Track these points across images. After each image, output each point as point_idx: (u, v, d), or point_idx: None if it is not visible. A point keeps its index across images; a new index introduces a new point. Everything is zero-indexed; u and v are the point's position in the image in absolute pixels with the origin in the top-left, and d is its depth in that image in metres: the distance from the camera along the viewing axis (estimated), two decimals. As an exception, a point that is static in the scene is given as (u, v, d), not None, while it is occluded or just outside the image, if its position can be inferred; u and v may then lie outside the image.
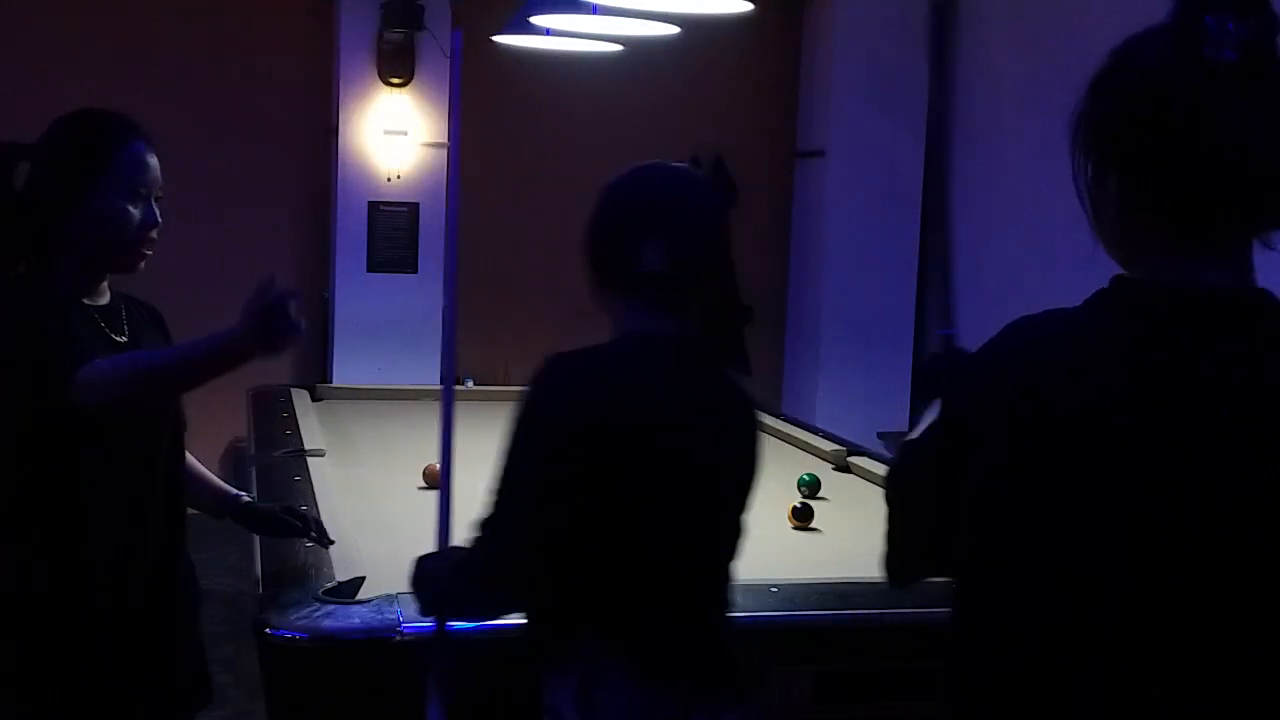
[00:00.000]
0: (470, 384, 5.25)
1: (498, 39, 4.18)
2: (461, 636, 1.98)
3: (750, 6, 3.41)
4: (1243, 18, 1.24)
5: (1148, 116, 1.28)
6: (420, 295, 6.16)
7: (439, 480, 2.04)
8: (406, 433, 4.01)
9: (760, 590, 2.43)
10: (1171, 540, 1.29)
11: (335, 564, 2.42)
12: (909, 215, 6.32)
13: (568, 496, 1.74)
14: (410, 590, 1.91)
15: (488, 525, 1.78)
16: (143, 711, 2.13)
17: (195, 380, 1.93)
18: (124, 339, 2.11)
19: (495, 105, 6.44)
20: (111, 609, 2.06)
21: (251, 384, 4.58)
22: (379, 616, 2.17)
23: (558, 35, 3.99)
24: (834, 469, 3.76)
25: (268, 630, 2.14)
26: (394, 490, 3.30)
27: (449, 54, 2.08)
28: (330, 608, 2.20)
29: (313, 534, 2.42)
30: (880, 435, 4.64)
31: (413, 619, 2.09)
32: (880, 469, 3.52)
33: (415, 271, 6.18)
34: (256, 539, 2.56)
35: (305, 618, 2.16)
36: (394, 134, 6.15)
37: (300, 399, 4.41)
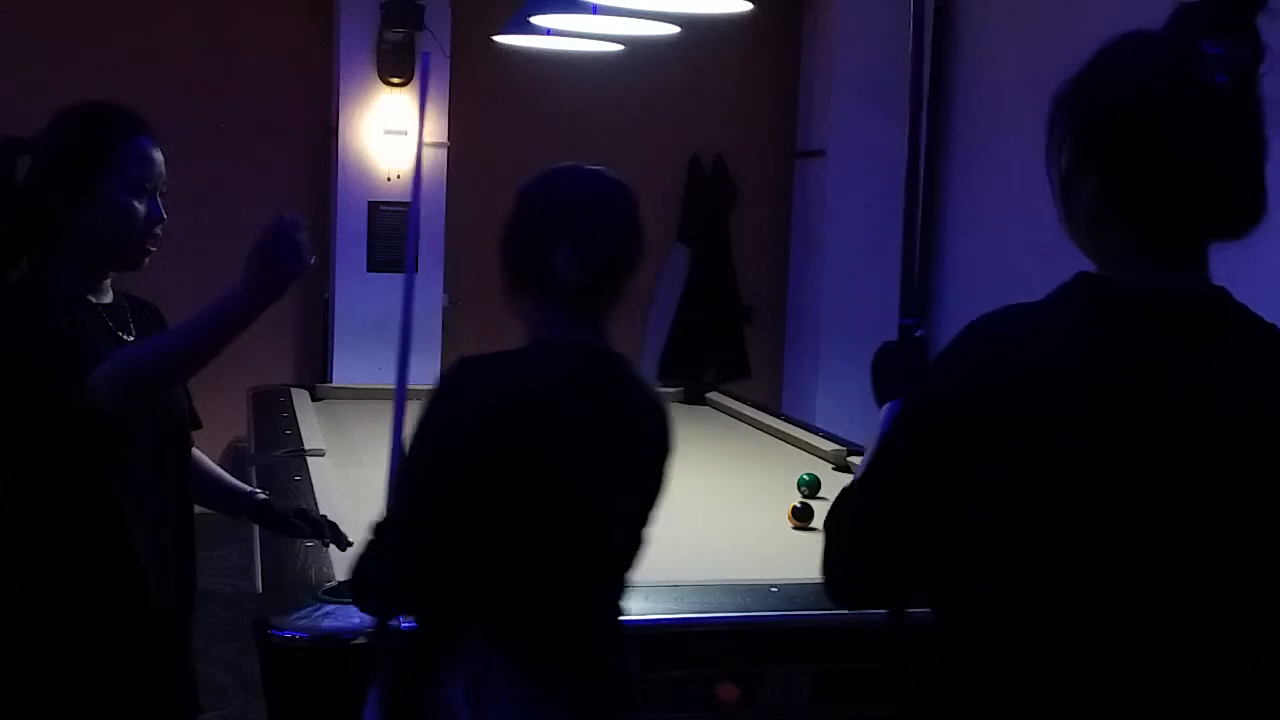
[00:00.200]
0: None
1: (498, 39, 4.18)
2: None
3: (750, 6, 3.41)
4: (1236, 44, 1.28)
5: (1137, 131, 1.31)
6: (421, 295, 6.15)
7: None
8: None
9: (760, 590, 2.43)
10: (1161, 536, 1.30)
11: (335, 564, 2.42)
12: (907, 215, 6.32)
13: (458, 505, 1.74)
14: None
15: (380, 529, 1.79)
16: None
17: (208, 353, 1.88)
18: (132, 338, 2.08)
19: (495, 105, 6.44)
20: (129, 620, 2.04)
21: (251, 384, 4.59)
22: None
23: (558, 35, 3.99)
24: (834, 469, 3.76)
25: (268, 630, 2.14)
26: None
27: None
28: (330, 608, 2.20)
29: (327, 538, 2.40)
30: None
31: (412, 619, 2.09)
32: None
33: (415, 272, 6.17)
34: (257, 539, 2.56)
35: (305, 618, 2.16)
36: (394, 134, 6.15)
37: (300, 399, 4.41)
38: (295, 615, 2.16)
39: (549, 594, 1.81)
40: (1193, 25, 1.30)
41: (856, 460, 3.83)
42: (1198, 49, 1.29)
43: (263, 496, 2.43)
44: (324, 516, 2.46)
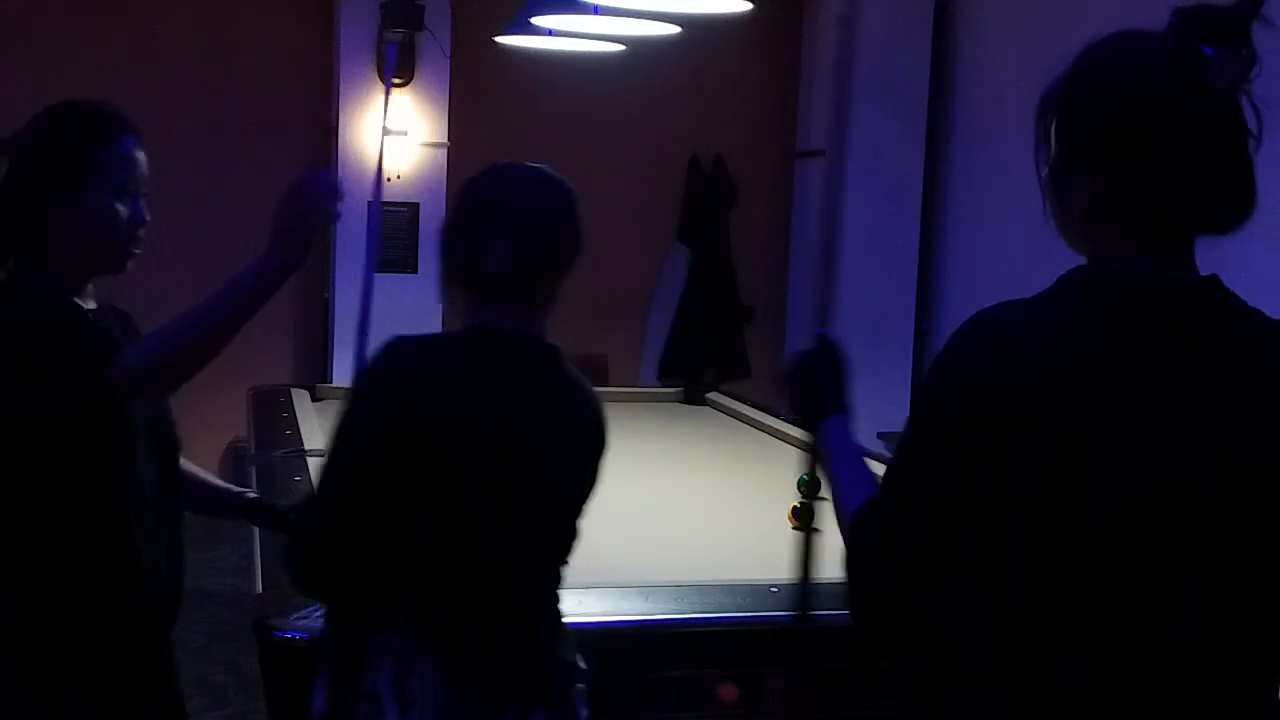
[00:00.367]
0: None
1: (499, 39, 4.19)
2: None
3: (750, 6, 3.41)
4: (1234, 49, 1.32)
5: (1137, 130, 1.34)
6: (420, 295, 6.16)
7: None
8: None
9: (760, 590, 2.43)
10: (1156, 535, 1.31)
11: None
12: (909, 215, 6.32)
13: (378, 484, 1.75)
14: None
15: (304, 510, 1.82)
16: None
17: (237, 325, 1.87)
18: None
19: (495, 105, 6.44)
20: (128, 623, 2.04)
21: (251, 384, 4.59)
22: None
23: (559, 35, 3.99)
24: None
25: (268, 630, 2.14)
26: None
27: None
28: (331, 608, 2.20)
29: None
30: (880, 435, 4.64)
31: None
32: (879, 469, 3.52)
33: (415, 271, 6.18)
34: (257, 540, 2.55)
35: (305, 618, 2.15)
36: (394, 134, 6.15)
37: (300, 399, 4.41)
38: (295, 615, 2.16)
39: (470, 581, 1.81)
40: (1193, 29, 1.33)
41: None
42: (1199, 53, 1.32)
43: (253, 495, 2.41)
44: None
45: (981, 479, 1.33)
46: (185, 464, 2.27)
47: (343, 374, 6.00)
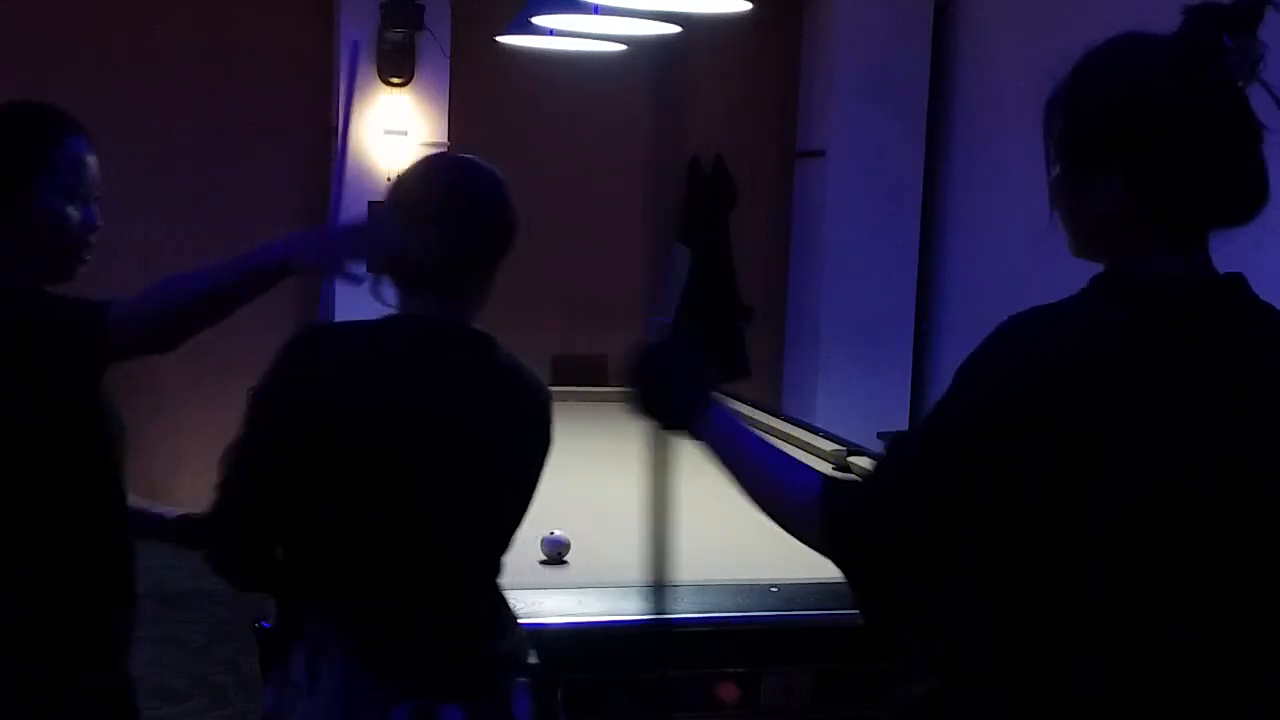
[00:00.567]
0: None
1: (499, 39, 4.18)
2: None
3: (750, 6, 3.41)
4: (1250, 43, 1.33)
5: (1154, 130, 1.34)
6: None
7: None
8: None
9: (760, 590, 2.43)
10: (1159, 535, 1.32)
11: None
12: (909, 215, 6.32)
13: (275, 472, 1.78)
14: None
15: (220, 489, 1.84)
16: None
17: (238, 303, 1.86)
18: None
19: (495, 105, 6.44)
20: (122, 623, 2.04)
21: (251, 384, 4.59)
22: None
23: (560, 35, 3.99)
24: (834, 469, 3.76)
25: (268, 630, 2.14)
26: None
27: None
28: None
29: None
30: (880, 435, 4.64)
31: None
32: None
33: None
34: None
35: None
36: (394, 134, 6.15)
37: (300, 399, 4.40)
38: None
39: (373, 568, 1.81)
40: (1209, 24, 1.34)
41: (857, 460, 3.83)
42: (1218, 47, 1.33)
43: (177, 515, 2.26)
44: None
45: (985, 482, 1.33)
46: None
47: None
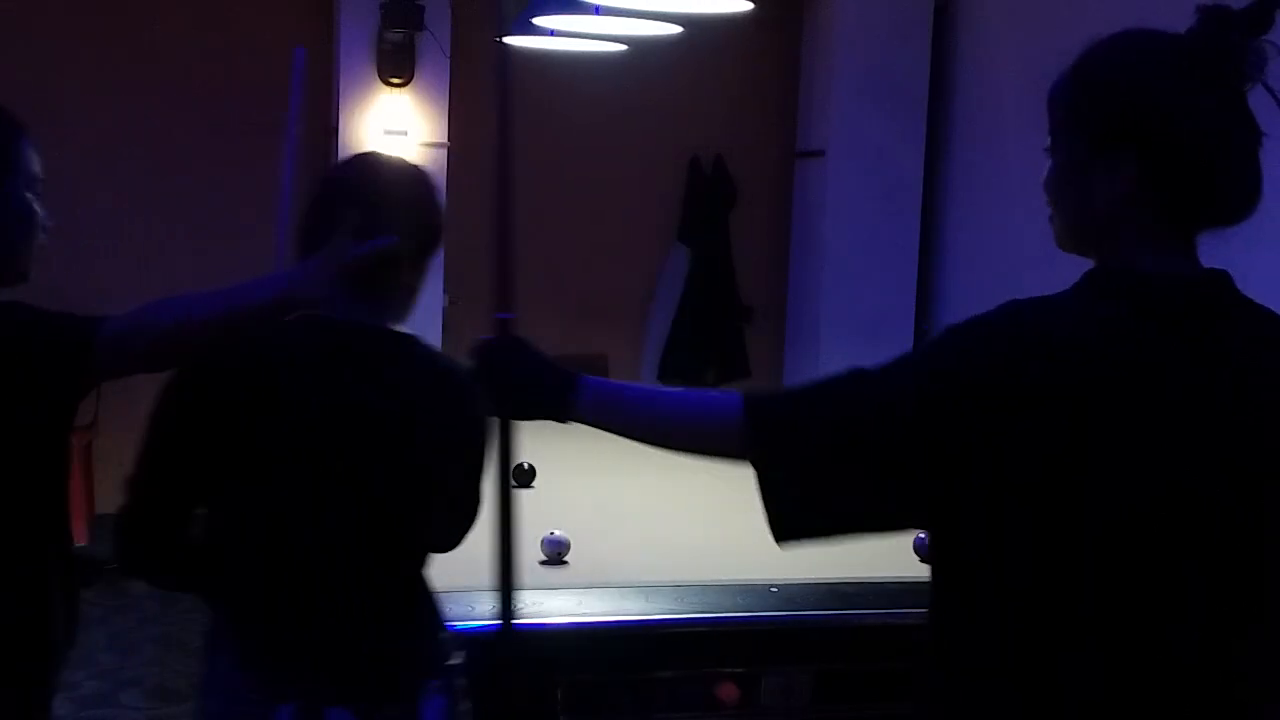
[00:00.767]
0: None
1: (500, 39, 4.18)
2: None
3: (750, 6, 3.41)
4: (1262, 42, 1.35)
5: (1178, 118, 1.35)
6: (420, 295, 6.16)
7: None
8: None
9: (760, 590, 2.43)
10: (1158, 534, 1.32)
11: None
12: (909, 215, 6.32)
13: (175, 464, 1.81)
14: None
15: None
16: None
17: (234, 328, 1.80)
18: None
19: (495, 105, 6.43)
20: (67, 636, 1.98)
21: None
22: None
23: (560, 36, 3.99)
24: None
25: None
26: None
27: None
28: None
29: None
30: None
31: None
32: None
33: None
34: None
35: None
36: (394, 134, 6.15)
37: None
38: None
39: (264, 571, 1.81)
40: (1226, 26, 1.35)
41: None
42: (1234, 49, 1.34)
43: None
44: None
45: (970, 459, 1.32)
46: None
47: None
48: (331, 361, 1.84)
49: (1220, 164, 1.36)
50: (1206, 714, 1.35)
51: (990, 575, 1.35)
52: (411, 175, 1.97)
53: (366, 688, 1.81)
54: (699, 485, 3.18)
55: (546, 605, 2.31)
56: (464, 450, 1.90)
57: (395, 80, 6.13)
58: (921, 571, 1.52)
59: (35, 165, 1.95)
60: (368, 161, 2.02)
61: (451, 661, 1.92)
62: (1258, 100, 1.38)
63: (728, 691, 2.31)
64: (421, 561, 1.93)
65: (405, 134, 6.13)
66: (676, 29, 3.79)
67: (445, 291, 6.32)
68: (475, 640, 2.05)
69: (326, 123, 6.33)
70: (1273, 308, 1.45)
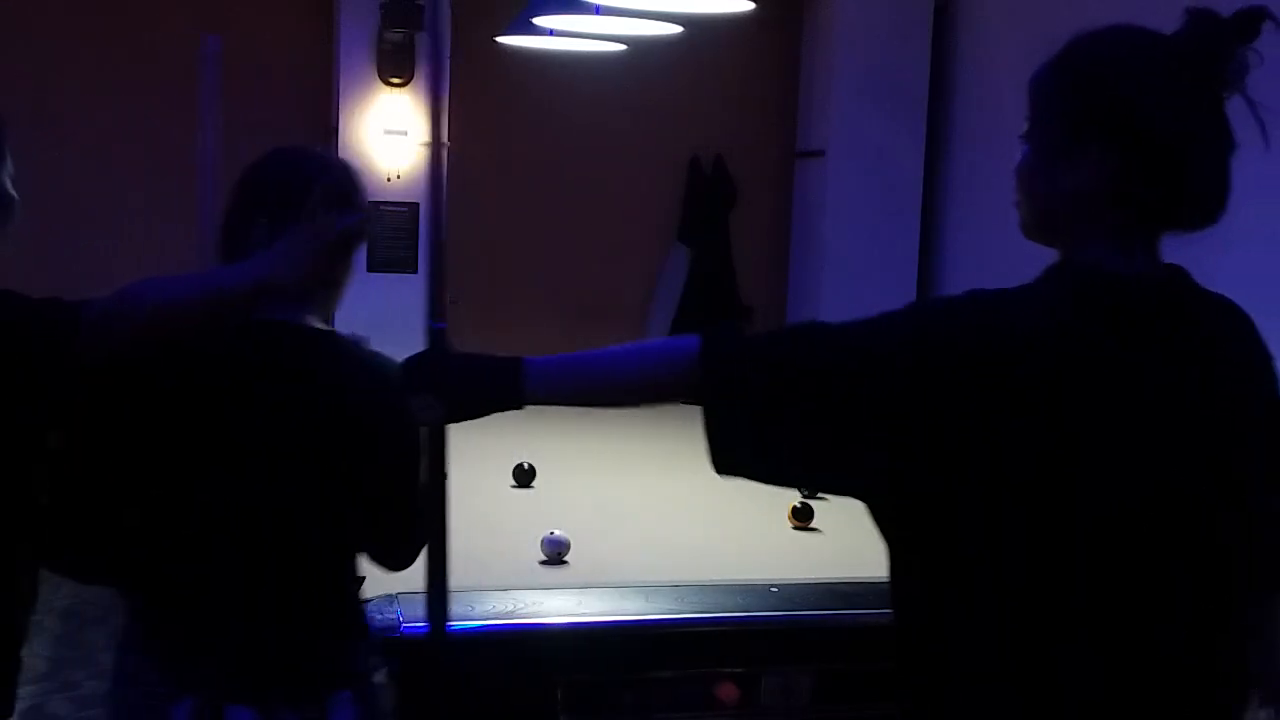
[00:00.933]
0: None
1: (500, 39, 4.19)
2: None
3: (751, 6, 3.40)
4: (1248, 51, 1.36)
5: (1156, 116, 1.35)
6: (420, 295, 6.16)
7: None
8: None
9: (760, 590, 2.43)
10: (1145, 533, 1.33)
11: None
12: (909, 215, 6.32)
13: (97, 462, 1.78)
14: None
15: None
16: None
17: (221, 315, 1.77)
18: None
19: (496, 105, 6.44)
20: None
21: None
22: (379, 616, 2.17)
23: (560, 35, 3.99)
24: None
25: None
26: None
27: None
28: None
29: None
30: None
31: (412, 619, 2.09)
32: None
33: (415, 271, 6.18)
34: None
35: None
36: (394, 134, 6.15)
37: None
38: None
39: (172, 557, 1.80)
40: (1215, 31, 1.36)
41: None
42: (1222, 54, 1.35)
43: None
44: None
45: (956, 456, 1.31)
46: None
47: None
48: (255, 361, 1.81)
49: (1190, 168, 1.36)
50: (1192, 709, 1.35)
51: (984, 564, 1.34)
52: (332, 168, 1.96)
53: (268, 688, 1.79)
54: (699, 485, 3.18)
55: (546, 605, 2.31)
56: (390, 451, 1.84)
57: (395, 80, 6.13)
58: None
59: (6, 155, 1.94)
60: (287, 156, 1.96)
61: (374, 671, 1.89)
62: (1234, 108, 1.39)
63: (728, 691, 2.31)
64: (341, 567, 1.88)
65: (405, 134, 6.13)
66: (676, 29, 3.79)
67: (445, 291, 6.32)
68: (414, 642, 2.03)
69: (327, 123, 6.33)
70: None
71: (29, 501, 1.87)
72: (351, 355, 1.89)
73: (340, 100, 6.15)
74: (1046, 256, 1.54)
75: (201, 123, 2.06)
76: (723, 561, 2.70)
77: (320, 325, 1.90)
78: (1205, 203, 1.38)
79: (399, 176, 6.17)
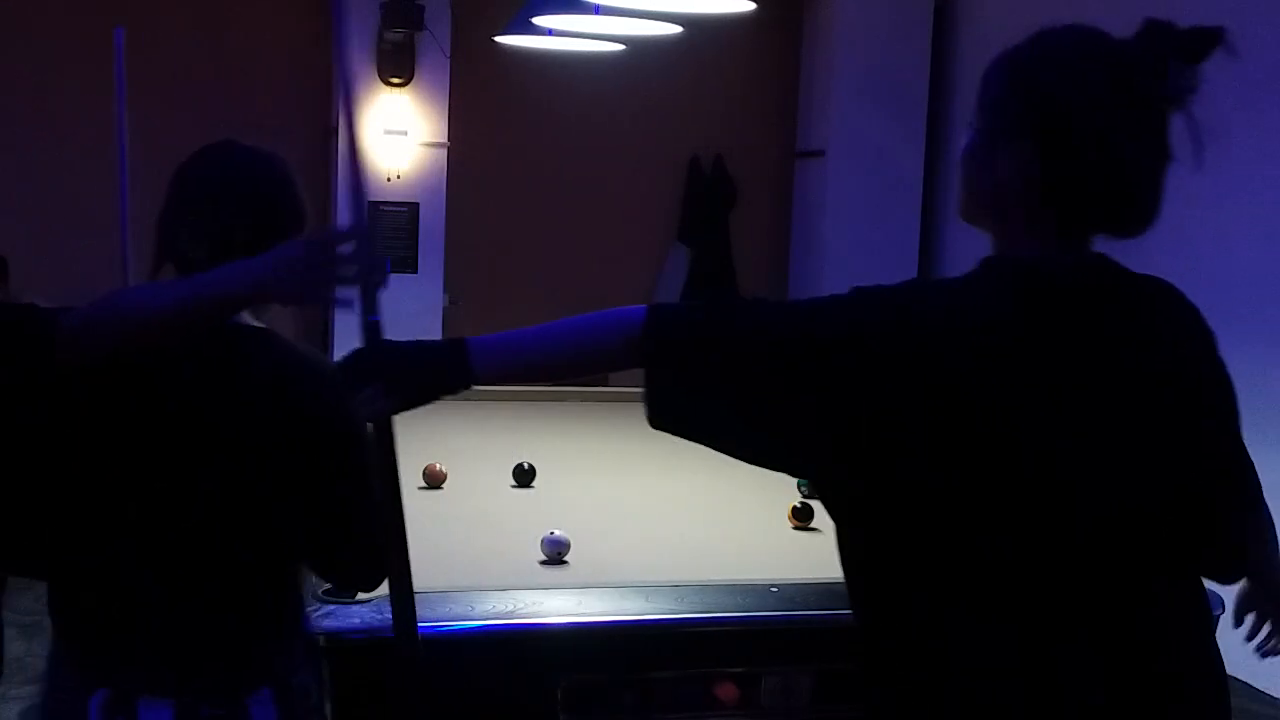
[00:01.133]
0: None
1: (499, 39, 4.19)
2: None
3: (751, 6, 3.41)
4: (1192, 71, 1.37)
5: (1087, 120, 1.37)
6: (420, 295, 6.16)
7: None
8: (405, 432, 4.01)
9: (760, 590, 2.43)
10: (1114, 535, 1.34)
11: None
12: (909, 215, 6.33)
13: (16, 455, 1.76)
14: None
15: None
16: None
17: (200, 326, 1.71)
18: None
19: (495, 105, 6.44)
20: None
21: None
22: (379, 616, 2.17)
23: (559, 35, 3.99)
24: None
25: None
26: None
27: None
28: (330, 608, 2.20)
29: None
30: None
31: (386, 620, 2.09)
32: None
33: (415, 271, 6.19)
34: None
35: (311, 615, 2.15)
36: (394, 134, 6.15)
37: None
38: (297, 615, 2.16)
39: (87, 552, 1.79)
40: (1161, 44, 1.38)
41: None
42: (1162, 69, 1.36)
43: None
44: None
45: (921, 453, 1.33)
46: None
47: (343, 374, 6.01)
48: (185, 352, 1.77)
49: (1117, 176, 1.37)
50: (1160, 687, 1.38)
51: (917, 560, 1.37)
52: (255, 163, 1.93)
53: (184, 681, 1.77)
54: (699, 485, 3.18)
55: (546, 605, 2.31)
56: (333, 448, 1.81)
57: (395, 80, 6.14)
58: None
59: None
60: (207, 154, 1.93)
61: (300, 670, 1.86)
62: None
63: (728, 691, 2.31)
64: (270, 563, 1.85)
65: (405, 134, 6.14)
66: (676, 29, 3.79)
67: (445, 291, 6.33)
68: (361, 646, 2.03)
69: (327, 123, 6.33)
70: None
71: None
72: (289, 350, 1.86)
73: (340, 100, 6.16)
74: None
75: (116, 117, 2.01)
76: (723, 561, 2.70)
77: (256, 322, 1.88)
78: (1131, 209, 1.40)
79: (399, 176, 6.17)
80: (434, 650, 1.84)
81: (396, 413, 1.56)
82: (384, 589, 1.71)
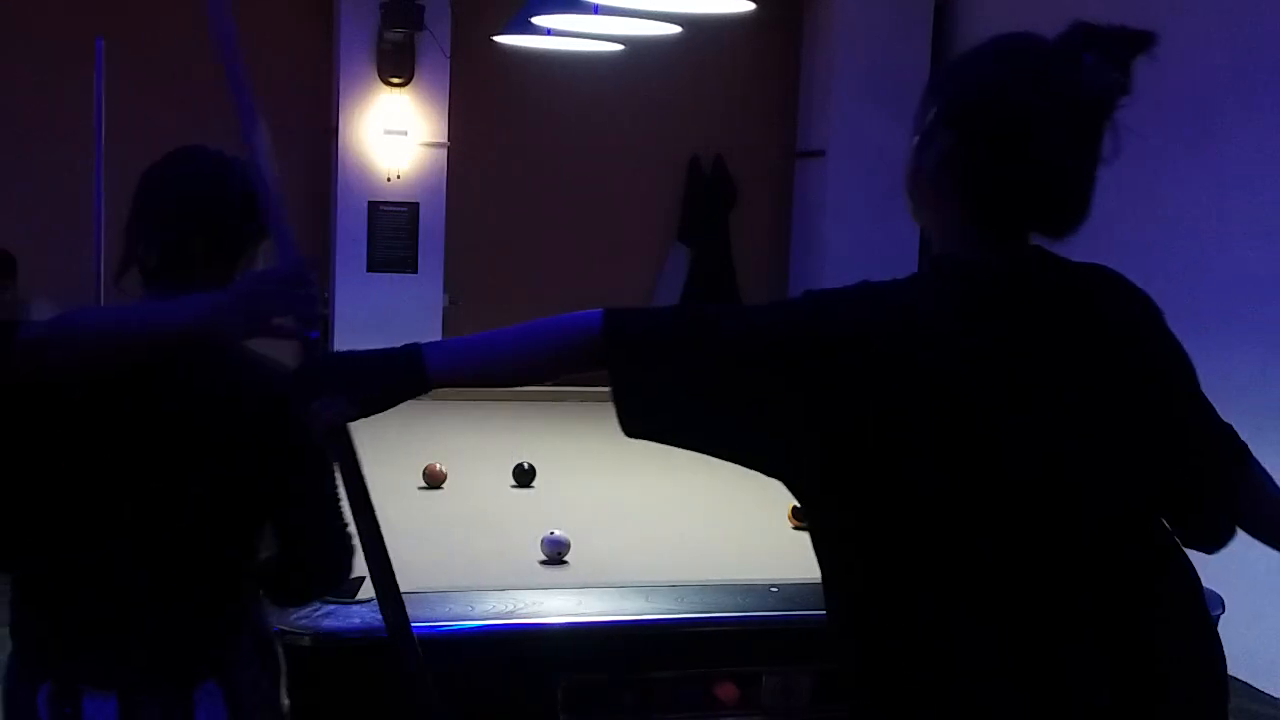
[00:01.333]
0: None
1: (499, 39, 4.19)
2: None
3: (751, 6, 3.41)
4: (1111, 68, 1.37)
5: (1006, 115, 1.39)
6: (420, 295, 6.16)
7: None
8: (405, 432, 4.01)
9: (760, 590, 2.43)
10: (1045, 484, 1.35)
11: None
12: (909, 215, 6.32)
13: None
14: None
15: None
16: None
17: (146, 356, 1.72)
18: None
19: (495, 105, 6.44)
20: None
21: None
22: (379, 616, 2.17)
23: (559, 35, 3.99)
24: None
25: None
26: (393, 490, 3.29)
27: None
28: (330, 608, 2.20)
29: None
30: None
31: (413, 619, 2.09)
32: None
33: (415, 271, 6.19)
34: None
35: (305, 618, 2.15)
36: (394, 134, 6.15)
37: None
38: (295, 615, 2.16)
39: (40, 546, 1.80)
40: (1083, 40, 1.39)
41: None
42: (1076, 64, 1.38)
43: None
44: None
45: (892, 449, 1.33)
46: None
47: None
48: (142, 366, 1.76)
49: (1038, 177, 1.38)
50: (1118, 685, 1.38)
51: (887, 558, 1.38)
52: (207, 169, 1.94)
53: (128, 675, 1.77)
54: (699, 485, 3.18)
55: (546, 605, 2.31)
56: (282, 450, 1.81)
57: (395, 80, 6.14)
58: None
59: None
60: (166, 161, 1.96)
61: (249, 665, 1.86)
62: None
63: (728, 691, 2.31)
64: (221, 558, 1.85)
65: (405, 134, 6.14)
66: (676, 29, 3.79)
67: (445, 291, 6.33)
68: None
69: (327, 123, 6.33)
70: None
71: None
72: (245, 353, 1.86)
73: (340, 100, 6.16)
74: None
75: (95, 123, 2.01)
76: (723, 561, 2.70)
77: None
78: (1056, 215, 1.40)
79: (399, 176, 6.17)
80: (434, 650, 1.84)
81: (353, 419, 1.55)
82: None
